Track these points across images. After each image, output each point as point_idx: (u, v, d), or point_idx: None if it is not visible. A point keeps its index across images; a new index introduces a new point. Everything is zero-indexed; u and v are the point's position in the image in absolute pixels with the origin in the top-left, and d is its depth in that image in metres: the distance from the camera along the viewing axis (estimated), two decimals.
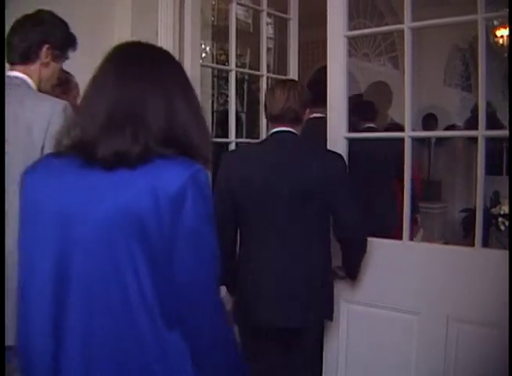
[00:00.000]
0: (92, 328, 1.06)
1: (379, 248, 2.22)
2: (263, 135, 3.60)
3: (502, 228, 4.29)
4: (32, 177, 1.16)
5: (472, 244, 2.04)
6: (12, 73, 1.86)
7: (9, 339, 1.58)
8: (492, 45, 5.27)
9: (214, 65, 4.69)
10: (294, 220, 2.01)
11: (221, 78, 5.53)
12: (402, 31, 2.15)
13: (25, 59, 1.86)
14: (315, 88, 3.19)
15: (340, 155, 2.09)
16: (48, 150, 1.58)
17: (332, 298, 2.14)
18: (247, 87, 5.66)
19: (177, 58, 2.62)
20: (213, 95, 4.87)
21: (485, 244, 2.07)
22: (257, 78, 3.59)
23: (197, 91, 2.89)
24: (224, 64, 4.68)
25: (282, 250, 2.03)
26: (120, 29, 3.12)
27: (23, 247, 1.15)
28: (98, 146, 1.08)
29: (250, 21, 6.03)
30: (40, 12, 1.93)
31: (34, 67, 1.87)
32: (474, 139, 2.02)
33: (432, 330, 2.07)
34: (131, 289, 1.05)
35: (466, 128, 4.53)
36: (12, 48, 1.87)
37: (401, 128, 2.50)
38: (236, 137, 3.45)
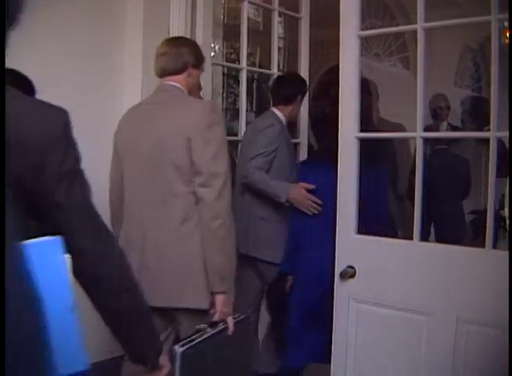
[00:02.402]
0: None
1: (389, 248, 2.22)
2: None
3: None
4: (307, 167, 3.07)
5: (480, 246, 2.05)
6: (273, 108, 3.16)
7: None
8: (502, 46, 5.24)
9: (226, 63, 4.69)
10: None
11: (230, 77, 5.53)
12: (413, 32, 2.14)
13: (286, 102, 3.12)
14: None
15: None
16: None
17: None
18: (257, 86, 5.66)
19: None
20: (223, 93, 4.87)
21: (494, 245, 2.07)
22: (268, 77, 3.59)
23: (208, 89, 2.91)
24: (234, 63, 4.68)
25: None
26: (131, 28, 3.13)
27: None
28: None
29: (260, 20, 6.02)
30: (295, 73, 3.44)
31: (289, 108, 3.14)
32: (484, 141, 2.02)
33: (441, 331, 2.06)
34: None
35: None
36: (275, 94, 3.21)
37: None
38: None
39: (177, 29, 3.11)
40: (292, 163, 3.20)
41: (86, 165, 1.18)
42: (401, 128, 3.37)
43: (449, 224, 4.09)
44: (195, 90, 2.35)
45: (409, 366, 2.16)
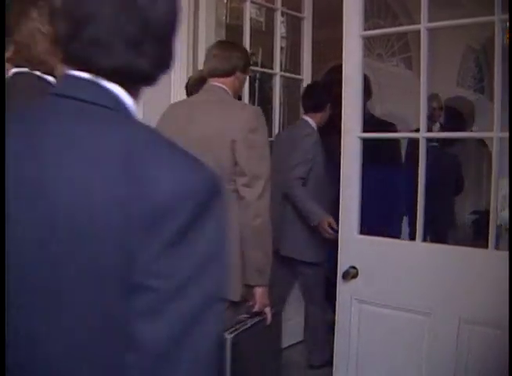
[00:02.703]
0: None
1: (391, 248, 2.22)
2: (275, 133, 3.60)
3: None
4: None
5: (482, 246, 2.04)
6: (305, 117, 3.35)
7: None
8: (505, 46, 5.22)
9: None
10: None
11: None
12: (416, 32, 2.14)
13: (316, 110, 3.31)
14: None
15: None
16: None
17: None
18: (259, 85, 5.66)
19: (191, 57, 2.82)
20: None
21: (497, 246, 2.07)
22: (270, 77, 3.59)
23: None
24: None
25: None
26: None
27: None
28: None
29: (262, 19, 6.01)
30: (323, 82, 3.73)
31: (319, 115, 3.32)
32: (484, 141, 2.02)
33: (443, 331, 2.06)
34: None
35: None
36: (306, 103, 3.37)
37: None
38: None
39: (179, 30, 3.10)
40: (326, 176, 3.26)
41: None
42: (393, 128, 3.37)
43: (442, 222, 4.08)
44: (238, 93, 2.46)
45: (411, 366, 2.16)
